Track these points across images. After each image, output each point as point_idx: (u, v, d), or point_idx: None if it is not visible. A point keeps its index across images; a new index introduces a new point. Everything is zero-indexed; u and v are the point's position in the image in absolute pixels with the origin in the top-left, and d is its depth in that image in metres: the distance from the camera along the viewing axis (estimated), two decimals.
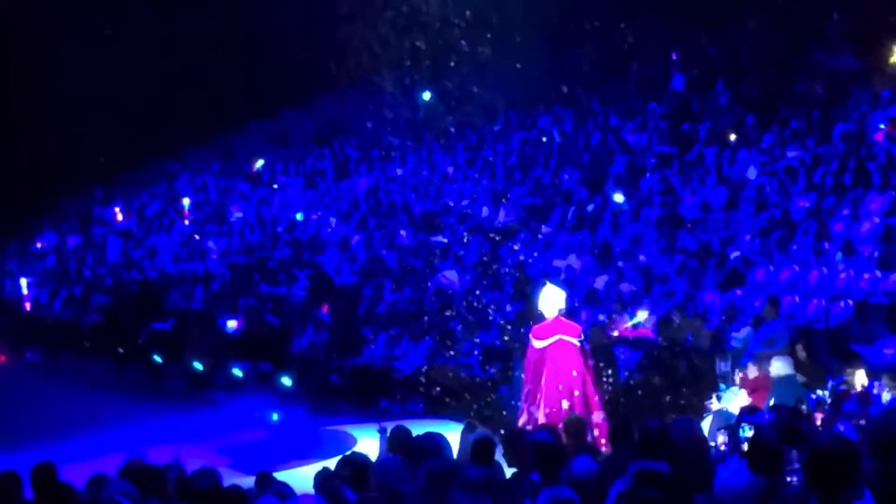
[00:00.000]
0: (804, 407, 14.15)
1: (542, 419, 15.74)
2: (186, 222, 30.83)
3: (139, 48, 30.20)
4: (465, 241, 25.53)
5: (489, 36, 27.67)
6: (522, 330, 19.79)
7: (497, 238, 25.20)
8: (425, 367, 21.77)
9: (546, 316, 16.25)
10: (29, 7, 29.43)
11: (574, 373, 15.92)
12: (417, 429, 11.40)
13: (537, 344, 16.08)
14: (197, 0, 30.29)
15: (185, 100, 30.13)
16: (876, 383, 15.09)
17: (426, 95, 28.16)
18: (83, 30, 29.47)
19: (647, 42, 28.79)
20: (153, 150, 30.83)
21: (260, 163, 32.48)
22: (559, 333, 16.06)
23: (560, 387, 15.92)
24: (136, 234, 30.60)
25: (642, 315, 19.63)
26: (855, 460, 6.13)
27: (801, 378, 16.50)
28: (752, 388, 16.22)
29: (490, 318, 22.39)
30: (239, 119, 31.65)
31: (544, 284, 17.12)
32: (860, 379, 15.55)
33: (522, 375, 16.72)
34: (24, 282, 28.23)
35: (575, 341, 16.00)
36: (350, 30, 29.20)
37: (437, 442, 9.48)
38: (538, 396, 16.16)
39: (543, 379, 15.99)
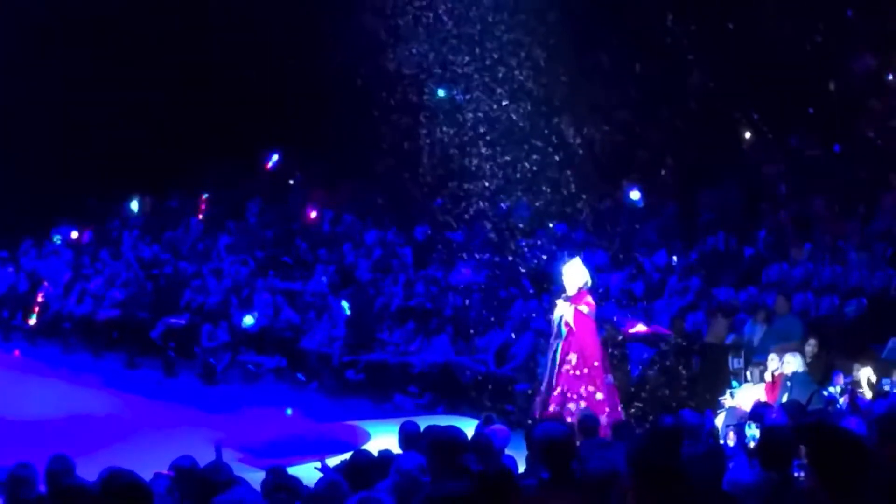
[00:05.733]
0: (817, 403, 14.19)
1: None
2: (201, 217, 30.87)
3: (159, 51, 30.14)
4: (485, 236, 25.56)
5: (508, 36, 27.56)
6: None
7: (514, 234, 25.23)
8: (441, 363, 21.80)
9: (569, 291, 16.49)
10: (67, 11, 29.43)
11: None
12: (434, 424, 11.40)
13: (585, 310, 16.45)
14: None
15: (208, 101, 30.08)
16: (886, 381, 15.12)
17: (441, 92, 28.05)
18: (104, 33, 29.48)
19: (665, 38, 28.65)
20: (174, 148, 30.75)
21: (275, 158, 32.51)
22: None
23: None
24: (152, 229, 30.63)
25: (640, 327, 19.71)
26: (862, 454, 6.13)
27: (813, 375, 16.53)
28: (773, 390, 16.26)
29: (505, 314, 22.46)
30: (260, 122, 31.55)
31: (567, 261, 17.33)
32: (867, 376, 15.58)
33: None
34: (30, 277, 28.31)
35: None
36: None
37: (453, 435, 9.42)
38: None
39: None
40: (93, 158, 29.24)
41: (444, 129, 28.42)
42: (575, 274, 16.83)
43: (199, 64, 29.88)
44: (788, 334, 17.97)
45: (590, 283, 17.00)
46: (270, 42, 29.21)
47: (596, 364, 16.57)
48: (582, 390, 16.41)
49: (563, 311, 16.67)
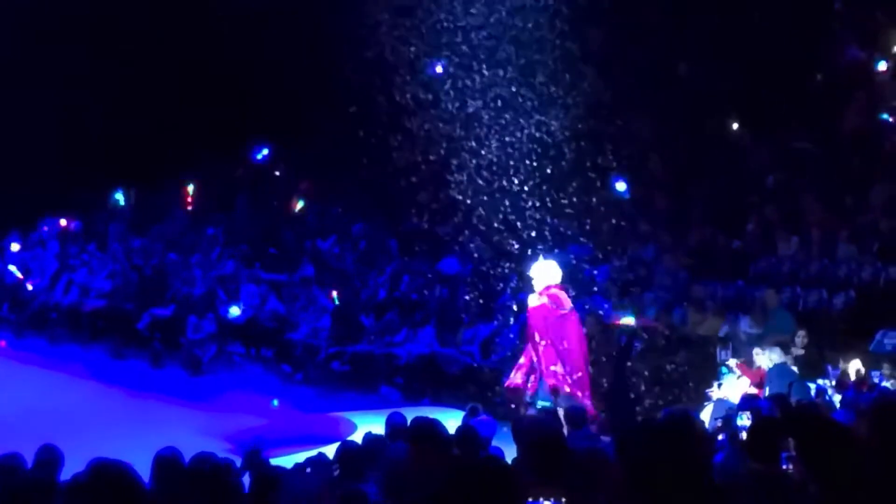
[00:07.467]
0: (797, 393, 14.19)
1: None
2: (189, 208, 30.81)
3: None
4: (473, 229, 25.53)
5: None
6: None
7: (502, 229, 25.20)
8: (427, 355, 21.78)
9: (536, 287, 16.45)
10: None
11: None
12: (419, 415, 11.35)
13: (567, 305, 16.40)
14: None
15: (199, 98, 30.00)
16: (875, 374, 15.14)
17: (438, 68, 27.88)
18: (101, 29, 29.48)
19: (651, 26, 28.59)
20: (162, 140, 30.67)
21: (264, 152, 32.43)
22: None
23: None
24: (138, 220, 30.54)
25: (628, 320, 19.69)
26: (851, 445, 6.11)
27: (797, 367, 16.53)
28: (755, 375, 16.25)
29: (492, 306, 22.43)
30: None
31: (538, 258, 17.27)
32: (856, 368, 15.59)
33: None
34: (18, 268, 28.23)
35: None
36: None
37: (431, 426, 9.33)
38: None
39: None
40: (81, 150, 29.14)
41: (432, 122, 28.42)
42: (545, 273, 16.76)
43: (189, 58, 29.83)
44: (781, 328, 17.99)
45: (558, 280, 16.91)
46: (260, 36, 29.19)
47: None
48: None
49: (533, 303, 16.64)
